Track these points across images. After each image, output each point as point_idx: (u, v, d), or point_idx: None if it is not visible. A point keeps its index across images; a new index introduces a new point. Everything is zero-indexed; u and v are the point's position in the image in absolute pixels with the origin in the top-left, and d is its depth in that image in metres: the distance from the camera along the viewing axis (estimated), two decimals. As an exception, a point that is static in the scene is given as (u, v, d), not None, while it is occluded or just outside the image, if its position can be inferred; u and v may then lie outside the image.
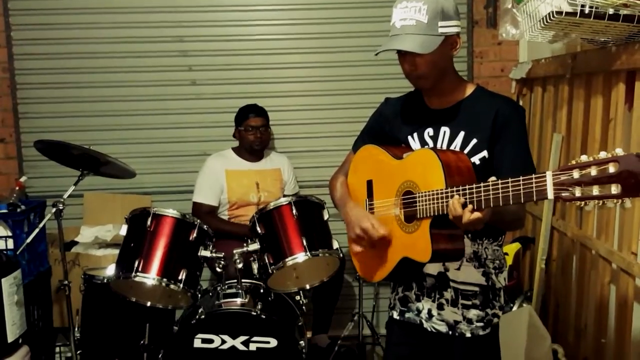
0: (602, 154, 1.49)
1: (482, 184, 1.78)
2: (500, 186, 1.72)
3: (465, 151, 2.07)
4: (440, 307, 2.20)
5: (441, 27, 2.02)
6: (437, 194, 1.90)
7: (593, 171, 1.50)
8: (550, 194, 1.58)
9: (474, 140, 2.08)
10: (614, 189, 1.46)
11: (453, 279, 2.17)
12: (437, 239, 1.95)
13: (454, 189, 1.85)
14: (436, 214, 1.91)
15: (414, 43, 2.01)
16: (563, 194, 1.55)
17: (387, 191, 2.16)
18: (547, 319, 3.47)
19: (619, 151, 1.47)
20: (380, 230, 2.12)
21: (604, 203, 1.49)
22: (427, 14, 2.00)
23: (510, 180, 1.70)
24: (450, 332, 2.19)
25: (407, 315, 2.28)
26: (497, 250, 2.21)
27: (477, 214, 1.79)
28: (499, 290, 2.21)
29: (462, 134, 2.10)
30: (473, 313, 2.17)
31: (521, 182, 1.66)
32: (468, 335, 2.17)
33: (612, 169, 1.46)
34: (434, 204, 1.92)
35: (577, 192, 1.52)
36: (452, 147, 2.12)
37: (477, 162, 2.06)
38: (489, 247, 2.18)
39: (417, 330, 2.25)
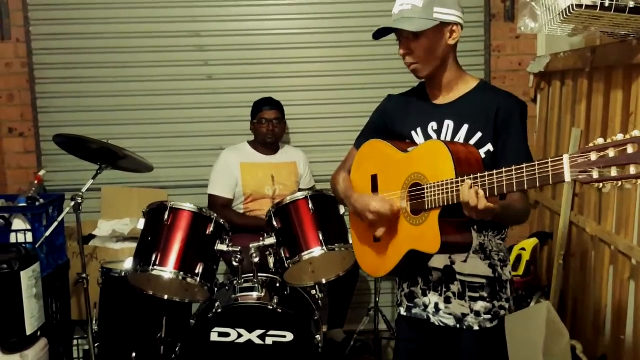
0: (620, 136, 1.49)
1: (494, 171, 1.77)
2: (514, 171, 1.71)
3: (471, 143, 2.08)
4: (447, 300, 2.19)
5: (437, 12, 2.07)
6: (447, 183, 1.89)
7: (611, 153, 1.49)
8: (568, 177, 1.57)
9: (479, 134, 2.09)
10: (633, 169, 1.46)
11: (460, 271, 2.18)
12: (446, 229, 1.93)
13: (464, 177, 1.84)
14: (446, 204, 1.90)
15: (405, 24, 2.08)
16: (580, 177, 1.54)
17: (393, 184, 2.14)
18: (565, 315, 3.44)
19: (637, 132, 1.46)
20: (391, 204, 2.09)
21: (622, 184, 1.48)
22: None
23: (525, 165, 1.69)
24: (458, 326, 2.19)
25: (414, 311, 2.28)
26: (500, 244, 2.21)
27: (489, 204, 1.78)
28: (506, 283, 2.22)
29: (465, 127, 2.11)
30: (480, 305, 2.17)
31: (536, 166, 1.65)
32: (476, 328, 2.17)
33: (630, 149, 1.46)
34: (443, 193, 1.90)
35: (595, 174, 1.51)
36: (456, 140, 2.12)
37: (483, 156, 2.05)
38: (494, 240, 2.19)
39: (424, 325, 2.25)
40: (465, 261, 2.17)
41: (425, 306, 2.24)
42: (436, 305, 2.21)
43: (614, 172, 1.49)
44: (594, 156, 1.52)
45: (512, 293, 2.25)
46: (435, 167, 1.97)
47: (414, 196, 2.04)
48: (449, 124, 2.14)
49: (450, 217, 1.92)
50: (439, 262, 2.18)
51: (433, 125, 2.17)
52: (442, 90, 2.19)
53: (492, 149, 2.09)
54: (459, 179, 1.85)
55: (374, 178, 2.24)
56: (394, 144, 2.18)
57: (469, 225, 1.99)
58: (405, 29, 2.08)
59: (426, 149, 2.06)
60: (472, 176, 1.82)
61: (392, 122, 2.30)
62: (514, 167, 1.71)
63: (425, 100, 2.24)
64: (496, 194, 1.77)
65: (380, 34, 2.17)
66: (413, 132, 2.21)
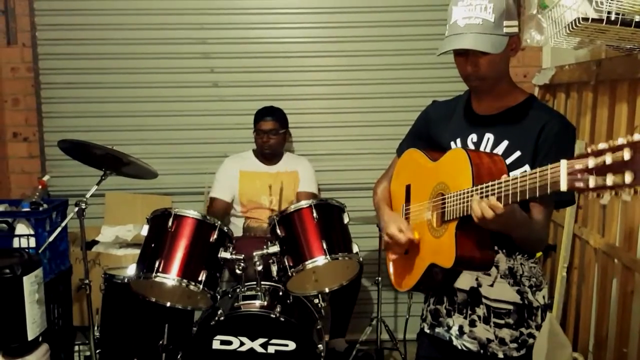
0: (620, 140, 1.34)
1: (502, 179, 1.70)
2: (519, 180, 1.63)
3: (507, 162, 1.95)
4: (472, 323, 2.09)
5: (506, 26, 1.95)
6: (463, 193, 1.83)
7: (608, 158, 1.34)
8: (564, 184, 1.45)
9: (518, 153, 1.99)
10: (628, 177, 1.30)
11: (486, 295, 2.08)
12: (463, 242, 1.85)
13: (477, 187, 1.77)
14: (461, 215, 1.83)
15: (485, 42, 1.93)
16: (577, 184, 1.41)
17: (422, 195, 2.08)
18: (567, 328, 3.44)
19: (637, 136, 1.31)
20: (407, 234, 2.06)
21: (618, 194, 1.33)
22: (494, 12, 1.92)
23: (528, 172, 1.60)
24: (482, 351, 2.08)
25: (437, 330, 2.20)
26: (533, 267, 2.10)
27: (500, 205, 1.70)
28: (537, 310, 2.10)
29: (505, 143, 2.01)
30: (505, 332, 2.07)
31: (537, 174, 1.56)
32: (500, 356, 2.07)
33: (627, 155, 1.31)
34: (459, 204, 1.83)
35: (591, 182, 1.37)
36: None
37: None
38: (525, 264, 2.08)
39: (447, 347, 2.16)
40: (491, 285, 2.06)
41: (449, 327, 2.14)
42: (460, 327, 2.11)
43: (609, 180, 1.34)
44: (591, 162, 1.38)
45: (543, 319, 2.12)
46: (456, 176, 1.90)
47: (438, 207, 1.98)
48: (489, 138, 2.04)
49: (469, 229, 1.84)
50: (465, 283, 2.09)
51: (473, 137, 2.08)
52: (490, 101, 2.08)
53: (528, 171, 1.94)
54: (473, 189, 1.79)
55: (408, 188, 2.19)
56: (427, 152, 2.12)
57: (491, 242, 1.89)
58: (488, 51, 1.92)
59: (450, 158, 1.99)
60: (482, 186, 1.75)
61: (433, 130, 2.21)
62: (519, 175, 1.64)
63: (469, 109, 2.14)
64: (503, 204, 1.69)
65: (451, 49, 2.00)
66: (452, 143, 2.12)
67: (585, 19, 2.42)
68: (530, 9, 3.02)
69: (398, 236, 2.07)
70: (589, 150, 1.40)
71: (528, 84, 4.20)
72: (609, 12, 2.35)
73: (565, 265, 3.42)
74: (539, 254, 3.59)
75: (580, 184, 1.41)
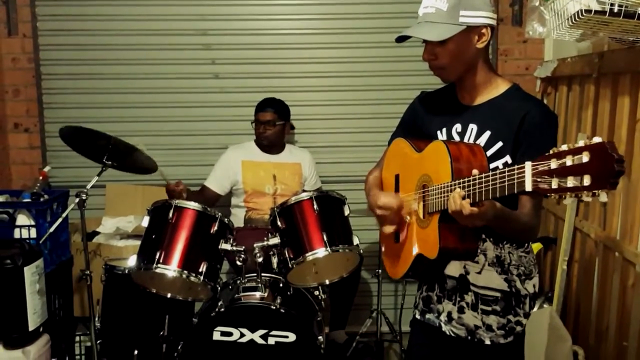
0: (580, 143, 1.38)
1: (477, 175, 1.71)
2: (490, 178, 1.65)
3: (489, 153, 1.97)
4: (460, 310, 2.12)
5: (463, 16, 1.95)
6: (443, 187, 1.85)
7: (568, 161, 1.39)
8: (529, 185, 1.49)
9: (499, 144, 2.00)
10: (586, 180, 1.35)
11: (473, 282, 2.10)
12: (446, 234, 1.87)
13: (455, 182, 1.79)
14: (442, 208, 1.85)
15: (427, 30, 1.97)
16: (541, 186, 1.45)
17: (409, 185, 2.10)
18: (567, 321, 3.44)
19: (596, 139, 1.36)
20: (398, 199, 2.09)
21: (579, 196, 1.38)
22: (448, 2, 1.95)
23: (498, 171, 1.62)
24: (469, 337, 2.11)
25: (427, 316, 2.23)
26: (524, 256, 2.11)
27: (473, 209, 1.72)
28: (525, 298, 2.11)
29: (487, 133, 2.03)
30: (492, 319, 2.09)
31: (506, 174, 1.58)
32: (487, 342, 2.09)
33: (585, 158, 1.35)
34: (440, 197, 1.86)
35: (554, 183, 1.42)
36: None
37: (500, 167, 1.95)
38: (514, 253, 2.09)
39: (436, 333, 2.19)
40: (479, 272, 2.09)
41: (439, 313, 2.17)
42: (449, 314, 2.14)
43: (570, 182, 1.38)
44: (554, 164, 1.42)
45: (531, 307, 2.15)
46: (437, 169, 1.92)
47: (422, 199, 2.00)
48: (472, 128, 2.05)
49: (451, 221, 1.85)
50: (454, 270, 2.12)
51: (457, 127, 2.10)
52: (470, 92, 2.10)
53: (510, 162, 1.97)
54: (451, 183, 1.80)
55: (397, 178, 2.21)
56: (414, 143, 2.13)
57: (474, 232, 1.90)
58: (426, 37, 1.97)
59: (432, 150, 2.00)
60: (459, 181, 1.77)
61: (420, 120, 2.23)
62: (490, 173, 1.65)
63: (454, 100, 2.15)
64: (477, 200, 1.70)
65: (403, 37, 2.04)
66: (438, 132, 2.14)
67: (589, 11, 2.40)
68: (532, 1, 3.01)
69: (390, 204, 2.08)
70: (552, 151, 1.43)
71: (530, 77, 4.20)
72: (612, 4, 2.33)
73: (565, 259, 3.42)
74: (537, 247, 3.62)
75: (545, 186, 1.44)
